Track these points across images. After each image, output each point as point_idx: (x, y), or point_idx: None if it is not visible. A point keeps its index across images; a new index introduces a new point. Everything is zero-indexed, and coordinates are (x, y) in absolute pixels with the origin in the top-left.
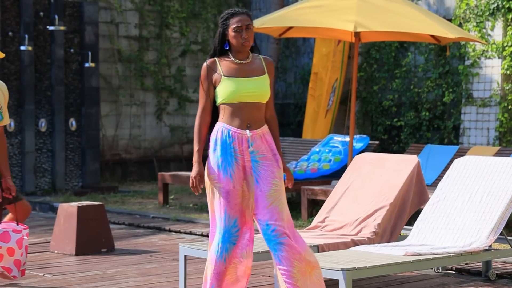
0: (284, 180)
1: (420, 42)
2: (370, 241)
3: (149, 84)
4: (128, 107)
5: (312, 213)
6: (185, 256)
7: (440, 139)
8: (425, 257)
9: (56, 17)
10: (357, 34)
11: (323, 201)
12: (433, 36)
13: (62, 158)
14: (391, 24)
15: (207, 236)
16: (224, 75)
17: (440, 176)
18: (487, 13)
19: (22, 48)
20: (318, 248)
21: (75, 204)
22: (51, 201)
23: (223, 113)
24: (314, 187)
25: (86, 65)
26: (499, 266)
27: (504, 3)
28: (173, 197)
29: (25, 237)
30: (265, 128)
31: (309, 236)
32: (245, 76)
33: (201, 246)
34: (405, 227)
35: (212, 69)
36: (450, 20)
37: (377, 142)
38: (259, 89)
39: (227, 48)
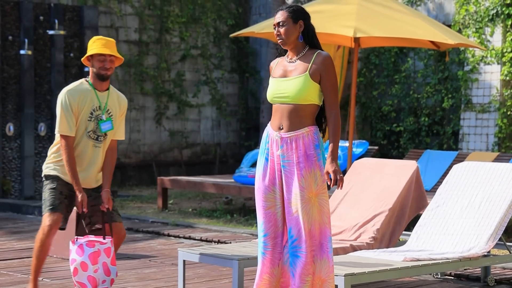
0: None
1: (419, 47)
2: (369, 246)
3: (148, 88)
4: (128, 112)
5: None
6: (184, 261)
7: (439, 145)
8: (424, 262)
9: (56, 21)
10: (356, 40)
11: None
12: (432, 42)
13: None
14: (391, 30)
15: (206, 241)
16: (271, 76)
17: (439, 182)
18: (487, 19)
19: (22, 52)
20: None
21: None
22: None
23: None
24: None
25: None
26: (498, 272)
27: (504, 9)
28: (172, 201)
29: (102, 253)
30: (301, 131)
31: None
32: (284, 76)
33: (200, 251)
34: (404, 232)
35: (271, 68)
36: (449, 26)
37: (376, 147)
38: (292, 90)
39: (301, 40)
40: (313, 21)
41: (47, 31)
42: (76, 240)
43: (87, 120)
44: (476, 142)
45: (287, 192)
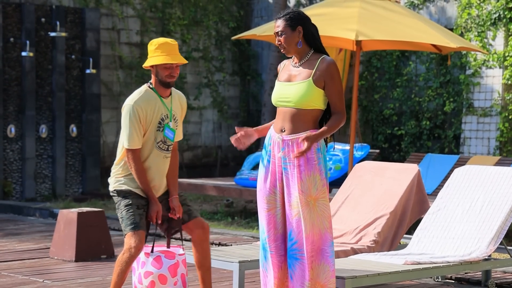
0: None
1: (421, 51)
2: (370, 249)
3: None
4: None
5: None
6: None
7: (441, 148)
8: (425, 266)
9: (58, 23)
10: (358, 43)
11: None
12: (434, 46)
13: (63, 164)
14: (393, 33)
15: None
16: (277, 79)
17: (440, 185)
18: (489, 23)
19: (24, 54)
20: None
21: (75, 211)
22: (51, 207)
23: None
24: None
25: (87, 71)
26: (499, 275)
27: (506, 13)
28: None
29: (181, 264)
30: (302, 135)
31: None
32: (289, 80)
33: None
34: (405, 235)
35: (278, 70)
36: (451, 30)
37: (377, 150)
38: (295, 95)
39: (300, 46)
40: (315, 24)
41: (49, 33)
42: (152, 252)
43: (156, 131)
44: (478, 146)
45: (287, 194)
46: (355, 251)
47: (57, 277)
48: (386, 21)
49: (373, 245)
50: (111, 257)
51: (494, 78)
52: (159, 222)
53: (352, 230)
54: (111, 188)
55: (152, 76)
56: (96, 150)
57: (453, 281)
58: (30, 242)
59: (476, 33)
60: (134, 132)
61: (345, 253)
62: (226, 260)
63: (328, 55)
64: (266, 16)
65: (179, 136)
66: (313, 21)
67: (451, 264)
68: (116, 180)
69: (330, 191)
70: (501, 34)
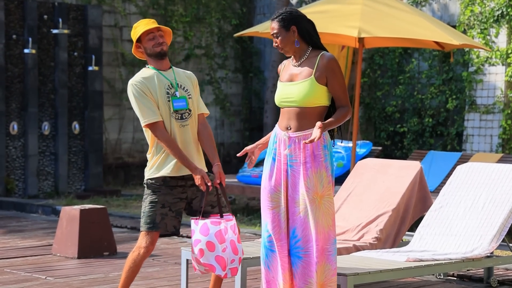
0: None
1: (424, 48)
2: (372, 246)
3: None
4: (131, 111)
5: None
6: (187, 260)
7: (443, 146)
8: (427, 263)
9: (60, 20)
10: (361, 40)
11: None
12: (437, 43)
13: (65, 162)
14: (395, 30)
15: None
16: (279, 80)
17: (443, 183)
18: (492, 20)
19: (26, 51)
20: None
21: (77, 207)
22: (54, 204)
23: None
24: None
25: (90, 68)
26: (501, 273)
27: (509, 10)
28: None
29: (229, 230)
30: (309, 132)
31: None
32: (291, 80)
33: None
34: (407, 233)
35: (279, 71)
36: (454, 27)
37: (380, 148)
38: (298, 94)
39: (298, 45)
40: (317, 21)
41: (51, 30)
42: (199, 219)
43: (166, 102)
44: (480, 143)
45: (293, 192)
46: (357, 248)
47: (60, 274)
48: (389, 18)
49: (375, 242)
50: (114, 254)
51: (497, 75)
52: (210, 185)
53: (355, 227)
54: (144, 180)
55: (146, 57)
56: (99, 147)
57: (455, 278)
58: (32, 239)
59: (479, 30)
60: (144, 106)
61: (347, 250)
62: None
63: (327, 51)
64: (269, 13)
65: (202, 109)
66: (316, 18)
67: (453, 261)
68: (149, 171)
69: None
70: (504, 31)
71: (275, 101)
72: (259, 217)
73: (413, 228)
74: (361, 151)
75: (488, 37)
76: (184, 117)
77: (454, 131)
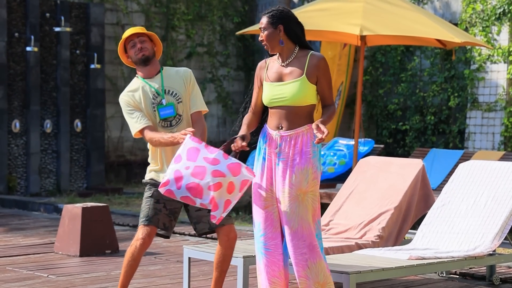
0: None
1: (426, 46)
2: (374, 244)
3: None
4: None
5: None
6: (189, 258)
7: (445, 143)
8: (429, 261)
9: (62, 18)
10: (363, 38)
11: (328, 205)
12: (439, 41)
13: (67, 159)
14: (397, 28)
15: (211, 238)
16: (265, 80)
17: (445, 181)
18: (493, 18)
19: (28, 49)
20: None
21: (79, 205)
22: (56, 202)
23: (268, 114)
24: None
25: (92, 66)
26: (503, 270)
27: (511, 8)
28: None
29: (252, 182)
30: (301, 129)
31: None
32: (280, 80)
33: (205, 248)
34: (409, 231)
35: (262, 69)
36: (456, 25)
37: (382, 145)
38: (290, 93)
39: (283, 45)
40: (319, 19)
41: (53, 28)
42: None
43: (153, 112)
44: (482, 141)
45: (278, 190)
46: (359, 246)
47: (62, 272)
48: (391, 16)
49: (378, 240)
50: (116, 252)
51: (498, 73)
52: (191, 131)
53: (357, 225)
54: (144, 179)
55: (135, 66)
56: (101, 145)
57: (457, 276)
58: (34, 237)
59: (480, 28)
60: (132, 119)
61: (349, 248)
62: None
63: (313, 50)
64: None
65: (198, 107)
66: (318, 16)
67: (455, 259)
68: (148, 173)
69: (334, 186)
70: (505, 29)
71: (263, 101)
72: None
73: (415, 226)
74: (363, 149)
75: (490, 35)
76: (173, 124)
77: (456, 129)
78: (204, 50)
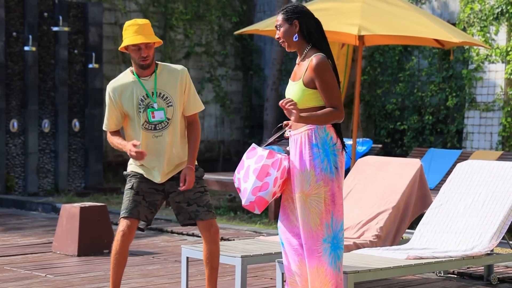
0: None
1: (424, 46)
2: (372, 244)
3: None
4: None
5: None
6: (187, 257)
7: (443, 143)
8: (427, 260)
9: (60, 18)
10: (361, 38)
11: None
12: (437, 40)
13: (65, 159)
14: (395, 28)
15: None
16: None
17: (443, 180)
18: (491, 18)
19: (26, 48)
20: None
21: (77, 205)
22: (54, 202)
23: None
24: None
25: (90, 66)
26: (501, 270)
27: (509, 7)
28: None
29: (280, 180)
30: (300, 130)
31: None
32: (293, 79)
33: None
34: (407, 230)
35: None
36: (454, 25)
37: (380, 145)
38: (291, 95)
39: (296, 39)
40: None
41: (52, 27)
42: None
43: (138, 113)
44: (480, 141)
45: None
46: (357, 246)
47: (60, 272)
48: (389, 16)
49: (376, 239)
50: None
51: (496, 73)
52: (136, 151)
53: (355, 224)
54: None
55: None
56: (99, 144)
57: (455, 276)
58: (32, 236)
59: (478, 28)
60: (107, 115)
61: (347, 248)
62: (229, 255)
63: (325, 51)
64: (269, 11)
65: (193, 109)
66: (316, 16)
67: (453, 259)
68: (129, 165)
69: None
70: (503, 29)
71: None
72: (259, 215)
73: (413, 225)
74: (361, 148)
75: (488, 35)
76: (158, 128)
77: (454, 128)
78: (202, 50)
